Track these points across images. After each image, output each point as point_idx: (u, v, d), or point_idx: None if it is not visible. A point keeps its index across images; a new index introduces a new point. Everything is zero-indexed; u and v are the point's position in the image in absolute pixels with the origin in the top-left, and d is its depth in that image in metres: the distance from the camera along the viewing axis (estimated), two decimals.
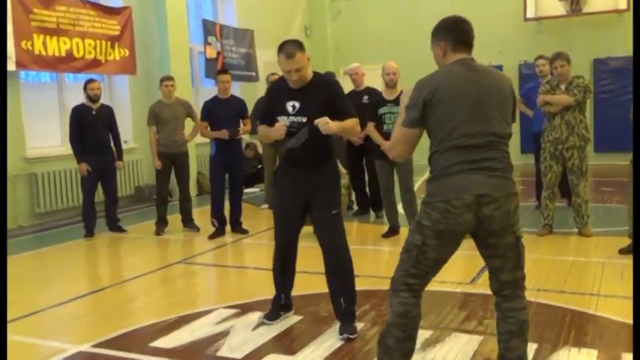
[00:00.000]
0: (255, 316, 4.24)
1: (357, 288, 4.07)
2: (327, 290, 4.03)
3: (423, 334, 3.60)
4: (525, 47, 13.55)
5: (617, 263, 5.23)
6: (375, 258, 6.23)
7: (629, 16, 12.53)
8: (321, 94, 3.95)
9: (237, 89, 11.83)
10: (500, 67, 13.75)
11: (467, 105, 2.85)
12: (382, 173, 6.66)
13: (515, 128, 13.30)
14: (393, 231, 6.74)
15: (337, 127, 3.85)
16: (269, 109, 4.08)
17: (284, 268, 4.14)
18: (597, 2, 12.27)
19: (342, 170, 5.97)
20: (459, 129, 2.84)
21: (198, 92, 11.32)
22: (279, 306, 4.18)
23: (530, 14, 12.81)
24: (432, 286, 3.15)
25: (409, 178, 6.61)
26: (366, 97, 7.62)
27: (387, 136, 6.45)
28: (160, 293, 5.17)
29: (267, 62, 12.29)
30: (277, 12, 13.73)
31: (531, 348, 3.37)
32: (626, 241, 5.44)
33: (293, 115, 3.92)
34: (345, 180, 6.70)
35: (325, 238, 3.99)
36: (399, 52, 12.85)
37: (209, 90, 11.52)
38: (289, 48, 3.81)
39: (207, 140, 7.46)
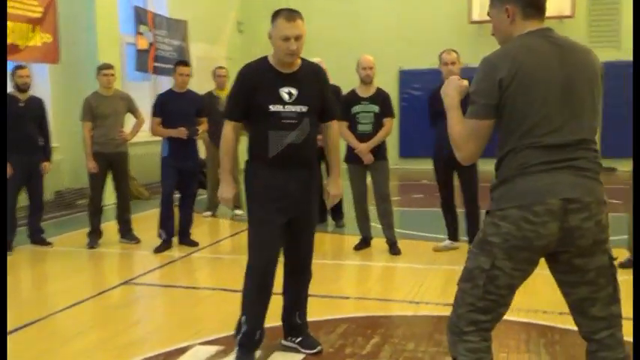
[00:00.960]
0: None
1: (355, 314, 3.89)
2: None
3: None
4: (467, 50, 13.28)
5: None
6: (361, 275, 5.56)
7: (571, 23, 12.51)
8: (316, 82, 3.36)
9: (167, 85, 10.86)
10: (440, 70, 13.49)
11: (556, 92, 2.21)
12: (355, 178, 5.96)
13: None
14: (366, 243, 6.07)
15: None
16: (248, 99, 3.24)
17: (264, 298, 3.34)
18: (549, 7, 12.10)
19: None
20: (545, 123, 2.20)
21: (126, 87, 10.22)
22: (253, 343, 3.34)
23: (475, 17, 12.51)
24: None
25: (386, 184, 5.94)
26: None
27: (361, 137, 5.81)
28: (106, 328, 4.10)
29: (200, 57, 11.41)
30: (210, 5, 12.81)
31: None
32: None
33: (290, 103, 3.23)
34: None
35: (302, 256, 3.43)
36: (339, 51, 12.25)
37: (138, 85, 10.50)
38: (289, 10, 3.21)
39: (141, 139, 6.55)
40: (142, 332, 4.05)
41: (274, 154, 3.23)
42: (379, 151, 5.85)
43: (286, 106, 3.21)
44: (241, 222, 7.50)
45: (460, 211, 5.86)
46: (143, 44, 9.98)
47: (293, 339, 3.52)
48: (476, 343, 2.32)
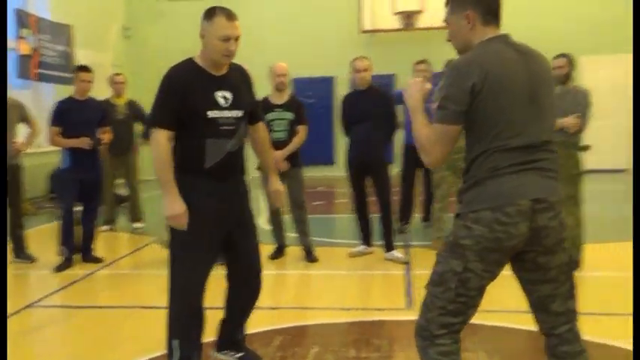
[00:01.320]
0: None
1: (286, 325, 3.89)
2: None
3: None
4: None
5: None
6: (281, 284, 5.46)
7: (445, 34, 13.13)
8: (245, 84, 3.24)
9: (51, 93, 10.23)
10: (331, 79, 13.74)
11: (522, 97, 2.28)
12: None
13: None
14: (281, 251, 5.99)
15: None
16: (180, 104, 3.00)
17: (199, 319, 3.19)
18: (428, 18, 12.62)
19: None
20: (513, 126, 2.26)
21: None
22: None
23: (367, 26, 12.81)
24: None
25: (301, 191, 5.90)
26: None
27: (276, 144, 5.71)
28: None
29: (85, 64, 10.82)
30: (94, 8, 12.21)
31: None
32: None
33: (227, 108, 3.07)
34: None
35: (247, 267, 3.31)
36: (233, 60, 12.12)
37: (18, 93, 9.77)
38: (227, 9, 3.04)
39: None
40: None
41: (212, 164, 3.05)
42: (294, 159, 5.81)
43: (223, 112, 3.06)
44: (143, 235, 7.21)
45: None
46: (25, 49, 9.33)
47: (233, 354, 3.38)
48: (448, 345, 2.34)
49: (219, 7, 3.05)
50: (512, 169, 2.24)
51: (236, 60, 3.20)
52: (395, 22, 12.73)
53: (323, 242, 6.46)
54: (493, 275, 2.32)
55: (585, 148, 5.25)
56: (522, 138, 2.26)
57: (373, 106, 5.75)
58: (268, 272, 5.42)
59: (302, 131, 5.85)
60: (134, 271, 5.85)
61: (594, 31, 12.85)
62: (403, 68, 13.40)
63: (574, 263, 5.09)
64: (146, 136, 5.72)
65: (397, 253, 5.71)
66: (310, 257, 5.80)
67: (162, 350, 3.22)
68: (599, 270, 5.11)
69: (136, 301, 4.75)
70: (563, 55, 5.31)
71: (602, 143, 10.19)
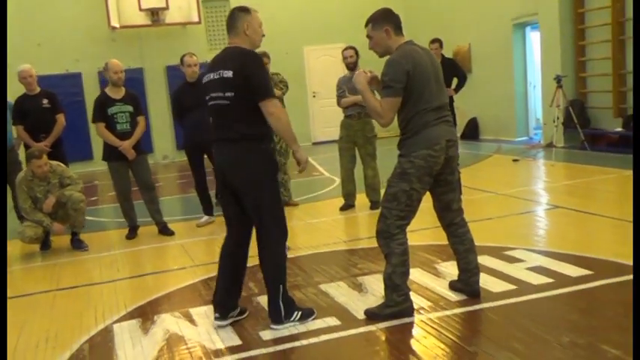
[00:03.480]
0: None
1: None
2: None
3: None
4: (101, 55, 13.81)
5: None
6: (157, 254, 6.07)
7: (194, 28, 14.19)
8: None
9: None
10: (79, 74, 13.74)
11: (431, 76, 3.68)
12: (120, 174, 6.43)
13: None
14: (134, 231, 6.59)
15: None
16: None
17: None
18: (175, 14, 13.46)
19: None
20: (431, 94, 3.64)
21: None
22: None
23: (114, 23, 13.11)
24: None
25: (149, 174, 6.58)
26: (45, 101, 7.08)
27: (121, 135, 6.32)
28: None
29: None
30: None
31: None
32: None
33: None
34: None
35: None
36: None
37: None
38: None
39: None
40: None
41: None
42: (139, 146, 6.46)
43: None
44: None
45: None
46: None
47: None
48: (402, 238, 3.66)
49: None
50: (435, 122, 3.62)
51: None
52: (141, 19, 13.26)
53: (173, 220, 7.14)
54: (425, 190, 3.69)
55: None
56: (436, 102, 3.65)
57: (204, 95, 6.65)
58: (140, 247, 6.18)
59: (142, 121, 6.51)
60: None
61: (313, 27, 15.08)
62: (151, 62, 14.16)
63: (375, 203, 6.85)
64: None
65: None
66: (166, 231, 6.53)
67: None
68: None
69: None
70: (351, 47, 6.91)
71: None
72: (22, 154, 7.21)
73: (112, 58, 13.81)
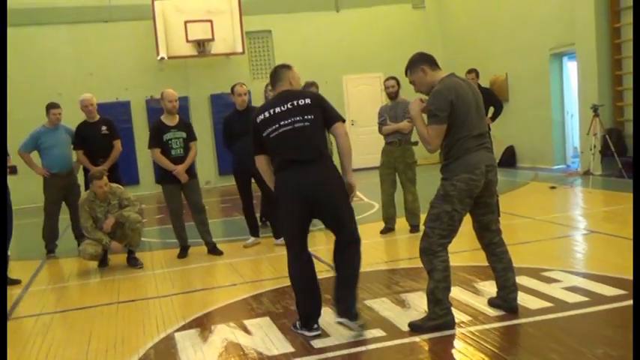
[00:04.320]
0: None
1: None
2: None
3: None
4: (149, 84, 14.49)
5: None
6: (209, 271, 6.41)
7: (238, 59, 14.75)
8: None
9: None
10: (128, 102, 14.37)
11: (472, 105, 3.97)
12: (173, 197, 6.83)
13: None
14: (186, 251, 6.97)
15: None
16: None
17: None
18: (220, 45, 14.05)
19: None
20: (472, 122, 3.93)
21: None
22: None
23: (162, 53, 13.74)
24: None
25: (200, 197, 6.97)
26: (104, 128, 7.56)
27: (176, 160, 6.72)
28: None
29: None
30: None
31: None
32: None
33: None
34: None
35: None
36: None
37: None
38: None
39: None
40: None
41: None
42: (191, 170, 6.86)
43: None
44: None
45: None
46: None
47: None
48: (444, 256, 3.92)
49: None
50: (475, 149, 3.90)
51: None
52: (187, 49, 13.87)
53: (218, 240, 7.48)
54: (466, 211, 3.96)
55: (415, 143, 7.23)
56: (476, 130, 3.94)
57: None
58: (192, 266, 6.53)
59: (194, 147, 6.92)
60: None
61: (352, 57, 15.52)
62: (196, 91, 14.73)
63: (415, 227, 7.11)
64: None
65: None
66: (216, 251, 6.89)
67: None
68: None
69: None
70: (392, 78, 7.24)
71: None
72: (80, 177, 7.71)
73: (159, 87, 14.53)
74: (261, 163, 4.20)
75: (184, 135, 6.85)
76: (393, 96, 7.22)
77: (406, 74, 4.11)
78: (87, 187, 7.06)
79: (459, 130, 3.89)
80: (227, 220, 9.75)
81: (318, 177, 3.96)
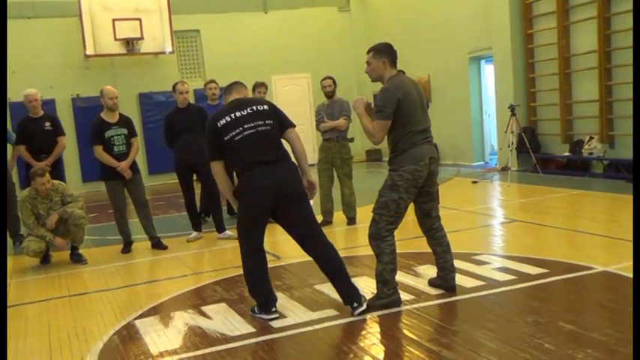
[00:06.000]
0: None
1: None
2: None
3: None
4: (75, 82, 14.27)
5: None
6: (153, 266, 6.55)
7: (166, 58, 14.74)
8: None
9: None
10: (53, 101, 14.07)
11: (417, 103, 4.36)
12: (116, 193, 6.91)
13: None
14: (130, 246, 7.06)
15: None
16: None
17: None
18: (149, 44, 14.01)
19: None
20: (417, 118, 4.33)
21: None
22: None
23: (89, 51, 13.57)
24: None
25: (143, 192, 7.10)
26: (48, 124, 7.55)
27: (118, 157, 6.82)
28: None
29: None
30: None
31: None
32: None
33: None
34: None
35: None
36: None
37: None
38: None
39: None
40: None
41: None
42: (134, 166, 6.98)
43: None
44: None
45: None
46: None
47: None
48: (391, 240, 4.30)
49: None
50: (420, 142, 4.29)
51: None
52: (117, 48, 13.76)
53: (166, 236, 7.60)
54: (411, 200, 4.35)
55: (351, 139, 7.62)
56: (421, 125, 4.33)
57: (193, 120, 7.22)
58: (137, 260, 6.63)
59: (136, 143, 7.04)
60: None
61: (280, 57, 15.81)
62: (124, 90, 14.57)
63: (352, 219, 7.51)
64: None
65: (229, 232, 7.28)
66: (160, 245, 7.03)
67: None
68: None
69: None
70: (329, 77, 7.60)
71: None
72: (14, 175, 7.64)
73: (86, 85, 14.34)
74: (218, 169, 4.38)
75: (126, 131, 6.94)
76: (329, 95, 7.58)
77: (368, 53, 4.41)
78: (25, 185, 7.03)
79: (406, 125, 4.27)
80: (165, 217, 9.82)
81: (284, 174, 4.23)
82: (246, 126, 4.23)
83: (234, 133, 4.23)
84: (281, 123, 4.40)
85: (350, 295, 4.27)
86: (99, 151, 6.81)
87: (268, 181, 4.16)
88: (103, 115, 6.93)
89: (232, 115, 4.28)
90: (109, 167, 6.82)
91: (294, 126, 4.47)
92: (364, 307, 4.21)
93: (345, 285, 4.31)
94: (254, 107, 4.32)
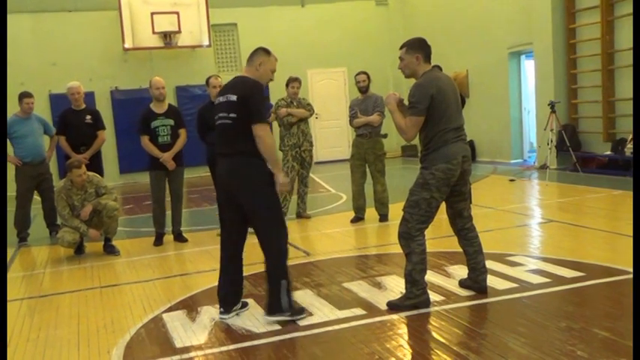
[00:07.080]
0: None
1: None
2: None
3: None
4: (114, 75, 14.46)
5: None
6: (185, 259, 6.59)
7: (203, 51, 14.82)
8: None
9: None
10: (92, 94, 14.27)
11: (453, 99, 4.25)
12: (158, 184, 6.98)
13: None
14: (162, 239, 7.11)
15: None
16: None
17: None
18: (186, 38, 14.10)
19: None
20: (451, 116, 4.22)
21: None
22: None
23: (128, 45, 13.72)
24: None
25: (181, 186, 7.15)
26: (89, 117, 7.65)
27: (163, 147, 6.86)
28: None
29: None
30: None
31: None
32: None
33: None
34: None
35: None
36: None
37: None
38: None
39: None
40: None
41: None
42: (179, 158, 7.02)
43: None
44: None
45: None
46: None
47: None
48: (421, 239, 4.21)
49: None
50: (453, 140, 4.18)
51: None
52: (154, 41, 13.89)
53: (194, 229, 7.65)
54: (443, 199, 4.25)
55: (385, 135, 7.52)
56: (455, 123, 4.22)
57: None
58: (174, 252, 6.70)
59: (183, 134, 7.07)
60: None
61: (316, 51, 15.76)
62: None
63: (384, 216, 7.43)
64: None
65: None
66: (181, 238, 7.11)
67: None
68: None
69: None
70: (363, 72, 7.51)
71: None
72: (52, 166, 7.77)
73: (124, 78, 14.54)
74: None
75: (172, 122, 6.99)
76: (363, 90, 7.48)
77: (401, 49, 4.30)
78: (63, 175, 7.13)
79: (439, 122, 4.17)
80: (197, 210, 9.88)
81: (231, 167, 4.13)
82: (219, 115, 4.23)
83: (215, 118, 4.27)
84: (250, 116, 4.05)
85: (268, 302, 4.20)
86: (144, 140, 6.88)
87: (220, 175, 4.23)
88: (151, 105, 7.04)
89: (218, 99, 4.29)
90: (154, 157, 6.89)
91: (263, 122, 4.07)
92: (270, 319, 4.14)
93: (269, 291, 4.21)
94: (227, 96, 4.18)
